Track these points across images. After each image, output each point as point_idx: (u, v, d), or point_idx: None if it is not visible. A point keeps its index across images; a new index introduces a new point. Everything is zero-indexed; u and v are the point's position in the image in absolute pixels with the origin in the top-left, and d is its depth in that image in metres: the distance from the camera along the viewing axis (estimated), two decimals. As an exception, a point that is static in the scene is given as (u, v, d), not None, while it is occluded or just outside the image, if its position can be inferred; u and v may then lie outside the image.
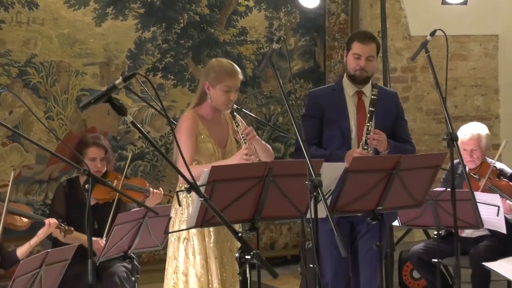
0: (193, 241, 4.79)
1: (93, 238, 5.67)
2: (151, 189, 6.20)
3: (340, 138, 5.18)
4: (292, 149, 9.22)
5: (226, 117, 5.04)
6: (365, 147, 5.01)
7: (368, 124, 5.07)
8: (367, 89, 5.27)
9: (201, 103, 4.95)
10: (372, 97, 5.15)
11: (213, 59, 5.12)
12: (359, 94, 5.24)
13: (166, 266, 4.93)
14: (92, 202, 6.02)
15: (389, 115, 5.26)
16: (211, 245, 4.79)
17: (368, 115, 5.11)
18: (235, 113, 4.91)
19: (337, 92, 5.32)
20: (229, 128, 5.02)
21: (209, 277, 4.79)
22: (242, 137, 4.82)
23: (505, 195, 6.07)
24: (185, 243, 4.82)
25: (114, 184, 6.03)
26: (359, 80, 5.21)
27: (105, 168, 6.10)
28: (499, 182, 6.22)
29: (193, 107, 4.98)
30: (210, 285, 4.78)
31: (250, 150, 4.73)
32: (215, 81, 4.89)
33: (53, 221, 5.57)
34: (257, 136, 4.90)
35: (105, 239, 5.66)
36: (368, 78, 5.25)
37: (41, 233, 5.56)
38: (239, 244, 4.88)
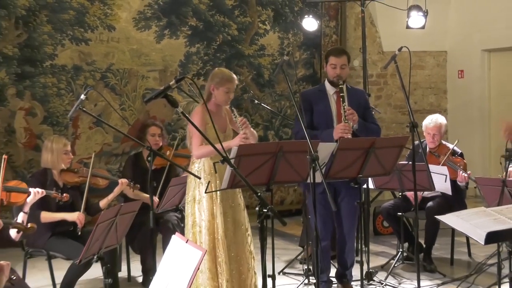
0: (203, 202, 4.76)
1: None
2: None
3: (326, 123, 5.10)
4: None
5: (225, 110, 4.97)
6: (346, 121, 4.96)
7: (343, 105, 5.00)
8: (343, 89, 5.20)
9: (208, 101, 4.88)
10: (340, 86, 5.07)
11: (216, 69, 5.06)
12: (337, 93, 5.17)
13: (186, 221, 4.88)
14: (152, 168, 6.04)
15: (359, 107, 5.17)
16: (218, 203, 4.76)
17: (341, 99, 5.04)
18: (232, 108, 4.85)
19: (322, 92, 5.25)
20: (227, 119, 4.96)
21: (215, 228, 4.74)
22: (240, 125, 4.77)
23: (460, 168, 6.01)
24: (199, 203, 4.79)
25: (167, 154, 6.05)
26: (336, 84, 5.15)
27: (161, 143, 6.10)
28: (455, 158, 6.16)
29: (202, 103, 4.94)
30: (215, 233, 4.76)
31: (247, 134, 4.66)
32: (218, 85, 4.80)
33: (124, 180, 5.58)
34: (249, 125, 4.84)
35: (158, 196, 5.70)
36: (344, 81, 5.19)
37: (116, 190, 5.57)
38: (239, 201, 4.90)
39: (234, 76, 4.95)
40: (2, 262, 2.96)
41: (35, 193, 4.72)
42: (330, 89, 5.23)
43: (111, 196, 5.60)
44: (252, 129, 4.92)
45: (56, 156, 5.31)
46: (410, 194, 6.15)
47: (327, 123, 5.13)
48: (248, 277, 4.87)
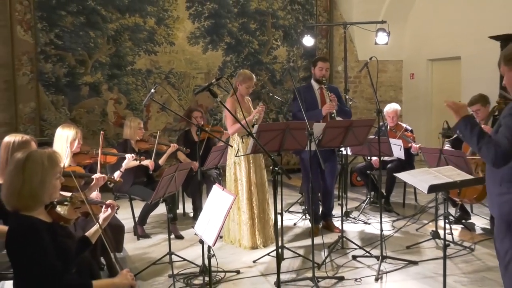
0: (242, 164, 4.76)
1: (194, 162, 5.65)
2: (224, 131, 6.13)
3: (312, 109, 5.01)
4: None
5: (247, 100, 4.93)
6: (330, 102, 4.95)
7: (327, 93, 5.01)
8: (326, 84, 5.15)
9: (236, 93, 4.84)
10: (323, 81, 5.06)
11: (241, 70, 5.01)
12: (321, 89, 5.12)
13: (227, 176, 4.87)
14: (196, 139, 6.01)
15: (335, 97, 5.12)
16: (251, 165, 4.77)
17: (325, 90, 5.05)
18: (261, 102, 4.84)
19: (309, 88, 5.19)
20: (250, 105, 4.92)
21: (250, 181, 4.77)
22: (258, 107, 4.75)
23: (410, 140, 5.97)
24: (239, 165, 4.79)
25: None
26: (321, 82, 5.10)
27: (202, 122, 6.05)
28: (407, 133, 6.11)
29: (231, 95, 4.86)
30: (251, 185, 4.78)
31: (260, 111, 4.70)
32: (242, 82, 4.78)
33: (173, 144, 5.57)
34: (263, 109, 4.78)
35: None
36: (326, 80, 5.14)
37: (169, 150, 5.53)
38: (262, 164, 4.86)
39: (253, 75, 4.91)
40: (110, 201, 2.96)
41: (129, 158, 4.76)
42: (315, 86, 5.19)
43: (165, 156, 5.56)
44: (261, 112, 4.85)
45: (133, 130, 5.34)
46: (373, 161, 6.11)
47: (313, 108, 5.08)
48: (265, 215, 4.91)
